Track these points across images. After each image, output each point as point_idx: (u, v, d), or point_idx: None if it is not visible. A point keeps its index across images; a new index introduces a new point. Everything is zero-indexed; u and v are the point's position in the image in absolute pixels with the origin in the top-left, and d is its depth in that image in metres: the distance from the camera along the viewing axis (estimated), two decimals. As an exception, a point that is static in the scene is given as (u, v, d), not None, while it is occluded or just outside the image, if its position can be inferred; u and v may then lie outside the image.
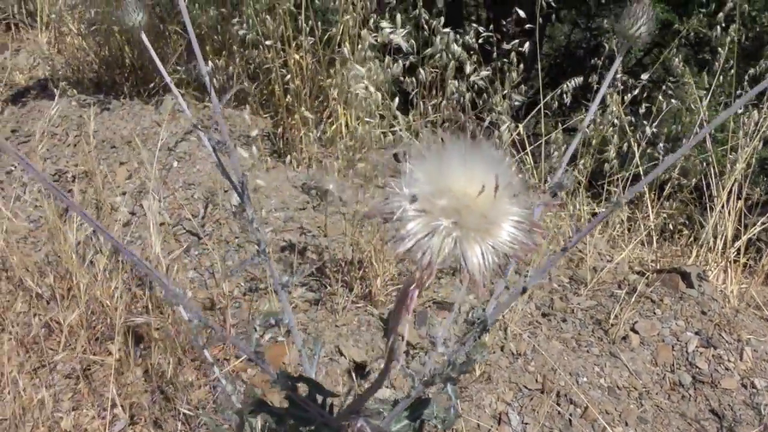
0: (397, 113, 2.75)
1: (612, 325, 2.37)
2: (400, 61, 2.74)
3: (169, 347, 2.48)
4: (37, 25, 4.82)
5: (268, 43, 2.95)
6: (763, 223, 2.99)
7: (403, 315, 0.63)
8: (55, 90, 3.58)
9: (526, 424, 2.02)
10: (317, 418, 1.07)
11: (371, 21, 2.87)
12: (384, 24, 2.66)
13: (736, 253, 2.91)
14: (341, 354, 2.41)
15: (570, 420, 2.02)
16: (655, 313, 2.43)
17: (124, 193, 3.07)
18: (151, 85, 3.75)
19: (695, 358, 2.25)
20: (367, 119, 2.73)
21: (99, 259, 2.80)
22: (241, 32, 3.06)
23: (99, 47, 4.05)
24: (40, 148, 3.52)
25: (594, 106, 1.11)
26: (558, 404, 2.08)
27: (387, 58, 2.76)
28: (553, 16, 4.20)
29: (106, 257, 2.81)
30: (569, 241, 1.06)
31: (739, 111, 3.17)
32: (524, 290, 1.05)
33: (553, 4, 3.23)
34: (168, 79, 1.32)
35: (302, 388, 1.14)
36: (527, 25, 3.10)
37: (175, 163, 3.13)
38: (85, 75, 4.05)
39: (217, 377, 2.48)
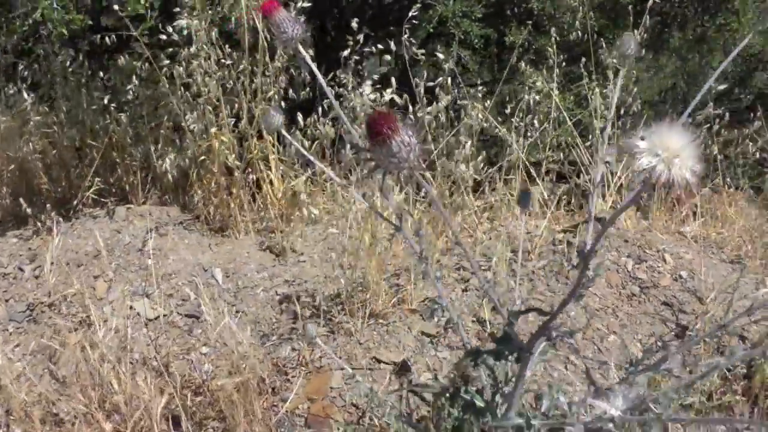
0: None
1: (568, 271, 3.05)
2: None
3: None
4: None
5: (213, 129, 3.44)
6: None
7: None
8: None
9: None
10: (517, 346, 1.59)
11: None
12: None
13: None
14: (379, 361, 2.88)
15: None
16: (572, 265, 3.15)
17: (109, 303, 3.33)
18: (74, 202, 3.99)
19: (636, 273, 2.99)
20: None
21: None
22: (192, 126, 3.48)
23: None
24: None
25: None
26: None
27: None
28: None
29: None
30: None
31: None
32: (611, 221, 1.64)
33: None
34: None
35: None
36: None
37: (149, 261, 3.44)
38: None
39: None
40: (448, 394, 1.89)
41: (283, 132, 1.69)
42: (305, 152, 1.65)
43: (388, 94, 3.13)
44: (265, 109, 1.69)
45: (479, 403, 1.86)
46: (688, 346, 2.22)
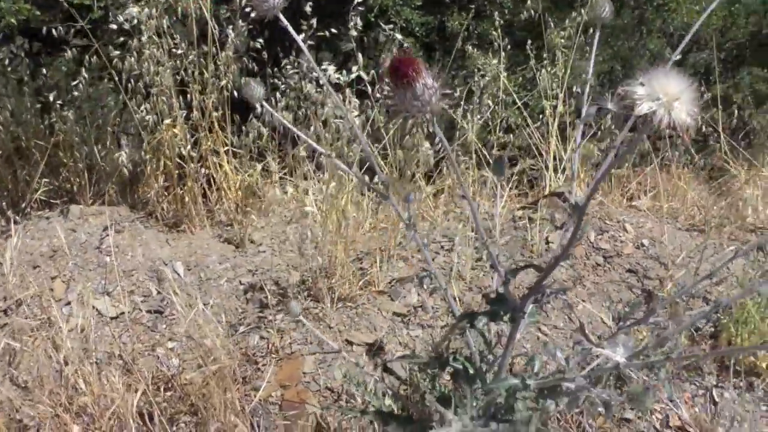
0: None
1: (532, 245, 3.11)
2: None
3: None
4: None
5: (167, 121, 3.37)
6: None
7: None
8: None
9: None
10: (510, 306, 1.61)
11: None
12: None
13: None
14: (351, 343, 2.87)
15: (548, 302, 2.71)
16: (555, 227, 3.21)
17: (68, 303, 3.23)
18: (23, 204, 3.86)
19: (599, 244, 3.06)
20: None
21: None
22: (147, 117, 3.40)
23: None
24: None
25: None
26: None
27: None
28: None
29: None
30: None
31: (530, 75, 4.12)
32: (592, 192, 1.67)
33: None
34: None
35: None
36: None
37: (107, 259, 3.35)
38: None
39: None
40: (437, 363, 1.90)
41: (265, 104, 1.67)
42: (288, 124, 1.63)
43: (354, 72, 3.12)
44: (246, 82, 1.65)
45: (471, 370, 1.87)
46: (657, 310, 2.28)
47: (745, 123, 5.06)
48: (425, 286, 2.22)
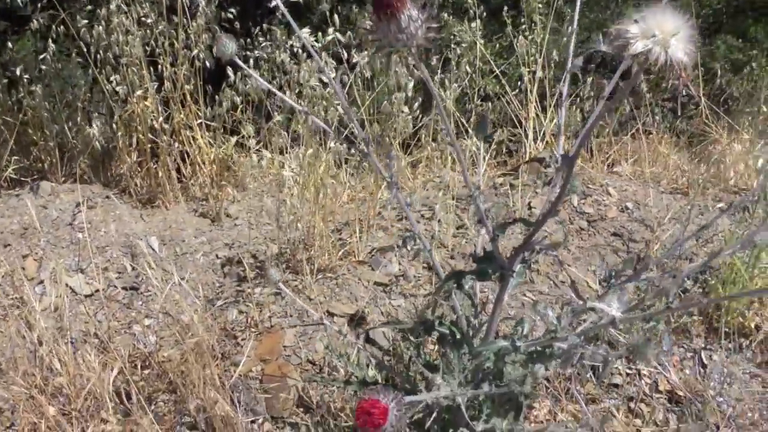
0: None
1: (515, 210, 3.06)
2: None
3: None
4: None
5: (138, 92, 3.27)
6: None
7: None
8: None
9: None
10: (499, 264, 1.56)
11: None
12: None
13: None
14: (332, 315, 2.81)
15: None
16: (536, 192, 3.17)
17: (41, 282, 3.13)
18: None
19: (582, 208, 3.02)
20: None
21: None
22: (117, 88, 3.30)
23: None
24: None
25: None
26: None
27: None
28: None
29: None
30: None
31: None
32: (582, 142, 1.62)
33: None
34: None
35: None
36: None
37: (80, 235, 3.25)
38: None
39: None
40: (422, 329, 1.84)
41: (238, 61, 1.58)
42: (265, 83, 1.55)
43: (330, 34, 3.03)
44: (217, 37, 1.57)
45: (458, 334, 1.82)
46: (649, 266, 2.25)
47: (723, 90, 5.05)
48: (409, 248, 2.15)
